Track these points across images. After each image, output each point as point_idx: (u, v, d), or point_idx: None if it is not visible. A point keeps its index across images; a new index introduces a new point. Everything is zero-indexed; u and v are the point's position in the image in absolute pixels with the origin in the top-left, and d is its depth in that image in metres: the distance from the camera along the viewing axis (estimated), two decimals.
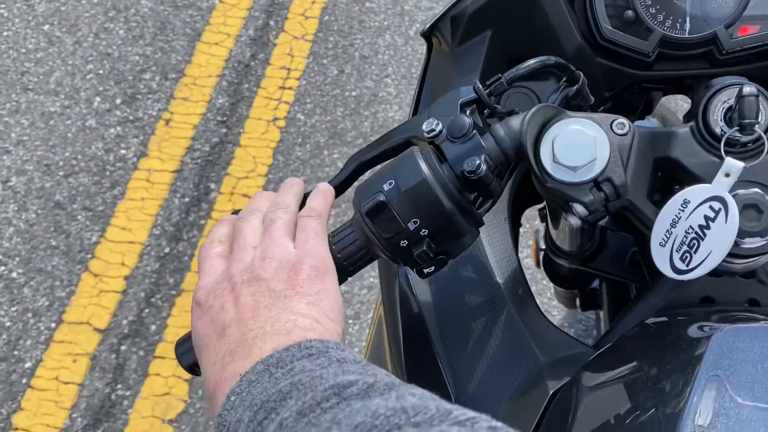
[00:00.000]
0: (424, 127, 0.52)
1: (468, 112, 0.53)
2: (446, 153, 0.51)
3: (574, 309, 1.25)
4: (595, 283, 1.06)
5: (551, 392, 0.53)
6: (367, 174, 0.56)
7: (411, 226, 0.49)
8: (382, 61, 2.31)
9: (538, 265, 1.06)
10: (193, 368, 0.57)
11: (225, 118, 2.14)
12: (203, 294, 0.50)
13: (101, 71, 2.27)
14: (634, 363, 0.49)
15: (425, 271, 0.52)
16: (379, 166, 0.54)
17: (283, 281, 0.48)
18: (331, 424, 0.34)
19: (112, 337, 1.70)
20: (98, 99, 2.20)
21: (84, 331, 1.71)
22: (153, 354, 1.68)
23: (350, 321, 1.75)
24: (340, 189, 0.58)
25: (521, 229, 1.85)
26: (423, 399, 0.35)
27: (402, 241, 0.50)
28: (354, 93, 2.22)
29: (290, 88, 2.21)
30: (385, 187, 0.49)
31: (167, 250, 1.86)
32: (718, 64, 0.66)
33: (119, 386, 1.63)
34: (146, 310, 1.75)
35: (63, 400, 1.61)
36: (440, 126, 0.52)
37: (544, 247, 0.89)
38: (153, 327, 1.72)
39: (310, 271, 0.48)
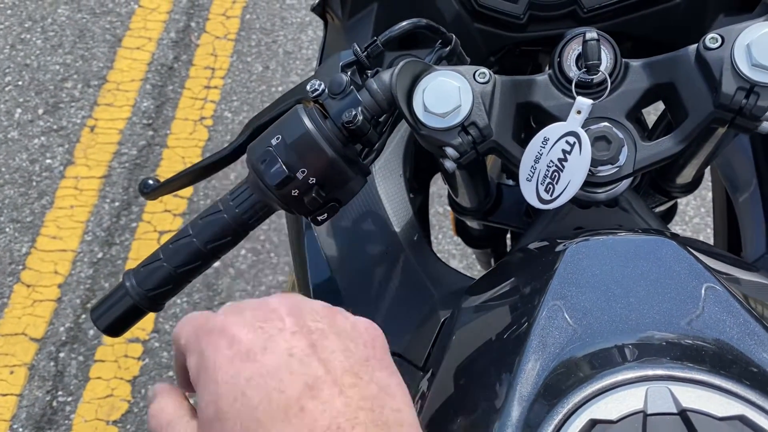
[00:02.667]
0: (308, 87, 0.57)
1: (348, 73, 0.58)
2: (328, 109, 0.56)
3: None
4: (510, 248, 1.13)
5: (442, 320, 0.59)
6: None
7: (299, 175, 0.54)
8: (307, 56, 2.35)
9: (456, 232, 1.12)
10: (112, 330, 0.60)
11: (151, 121, 2.14)
12: (241, 327, 0.36)
13: (20, 82, 2.24)
14: (511, 282, 0.55)
15: (319, 218, 0.57)
16: None
17: (366, 345, 0.38)
18: None
19: (49, 346, 1.69)
20: (19, 110, 2.17)
21: (20, 341, 1.70)
22: (93, 358, 1.68)
23: None
24: (238, 153, 0.63)
25: (443, 209, 1.90)
26: None
27: (293, 191, 0.54)
28: (280, 88, 2.25)
29: (216, 87, 2.23)
30: (273, 142, 0.54)
31: (100, 255, 1.85)
32: (583, 22, 0.73)
33: (60, 393, 1.62)
34: (83, 316, 1.75)
35: (2, 412, 1.59)
36: (322, 86, 0.57)
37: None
38: (91, 332, 1.72)
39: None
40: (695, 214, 1.98)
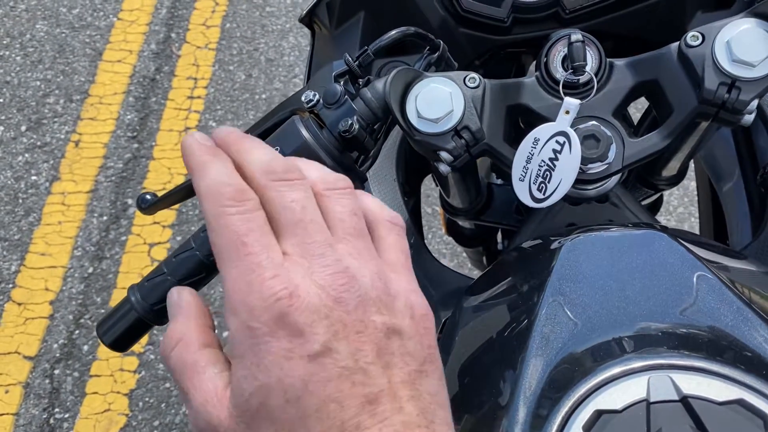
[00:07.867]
0: (302, 98, 0.58)
1: (342, 82, 0.59)
2: (324, 118, 0.57)
3: (483, 268, 1.33)
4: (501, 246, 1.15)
5: (443, 321, 0.60)
6: None
7: None
8: (289, 63, 2.36)
9: (447, 231, 1.14)
10: (118, 344, 0.61)
11: (135, 133, 2.14)
12: (306, 317, 0.31)
13: (1, 99, 2.22)
14: (509, 281, 0.56)
15: None
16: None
17: (422, 345, 0.35)
18: None
19: (43, 363, 1.69)
20: (1, 128, 2.15)
21: (13, 360, 1.69)
22: (88, 373, 1.67)
23: None
24: None
25: (432, 209, 1.91)
26: None
27: None
28: (264, 96, 2.26)
29: (199, 97, 2.23)
30: None
31: (90, 270, 1.85)
32: (565, 23, 0.74)
33: (57, 410, 1.62)
34: (76, 332, 1.74)
35: None
36: (317, 96, 0.58)
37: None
38: (85, 347, 1.72)
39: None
40: (679, 203, 2.01)
